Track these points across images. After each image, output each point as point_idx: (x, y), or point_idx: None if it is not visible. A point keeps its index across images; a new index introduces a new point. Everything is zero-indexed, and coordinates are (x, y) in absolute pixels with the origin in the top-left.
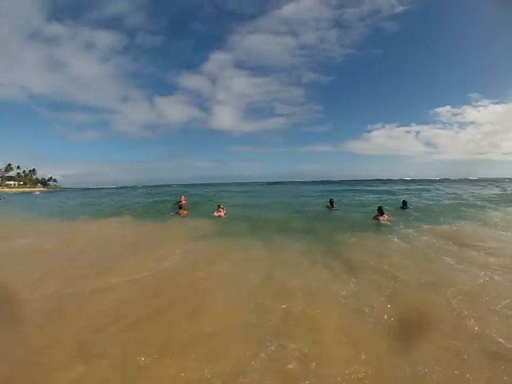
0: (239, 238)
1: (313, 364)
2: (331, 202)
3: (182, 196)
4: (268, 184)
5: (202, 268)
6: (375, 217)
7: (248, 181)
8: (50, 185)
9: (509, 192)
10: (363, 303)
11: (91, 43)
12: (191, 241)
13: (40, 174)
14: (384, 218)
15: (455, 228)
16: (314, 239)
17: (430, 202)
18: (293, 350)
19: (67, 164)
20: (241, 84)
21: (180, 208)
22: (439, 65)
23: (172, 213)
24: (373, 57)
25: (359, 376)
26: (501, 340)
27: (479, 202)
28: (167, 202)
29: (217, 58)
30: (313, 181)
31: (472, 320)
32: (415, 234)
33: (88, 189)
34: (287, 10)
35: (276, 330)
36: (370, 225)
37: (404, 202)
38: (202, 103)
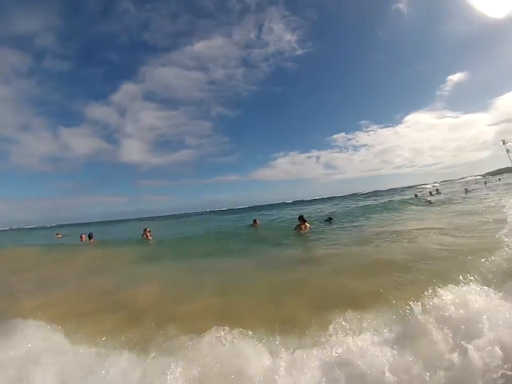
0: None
1: None
2: (255, 220)
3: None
4: (177, 216)
5: None
6: (298, 226)
7: (160, 215)
8: None
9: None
10: None
11: None
12: None
13: None
14: (307, 226)
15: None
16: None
17: None
18: None
19: None
20: (150, 116)
21: None
22: (332, 98)
23: None
24: (275, 93)
25: None
26: None
27: None
28: None
29: (127, 89)
30: (225, 209)
31: None
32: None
33: None
34: (199, 46)
35: None
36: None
37: (329, 218)
38: (110, 135)
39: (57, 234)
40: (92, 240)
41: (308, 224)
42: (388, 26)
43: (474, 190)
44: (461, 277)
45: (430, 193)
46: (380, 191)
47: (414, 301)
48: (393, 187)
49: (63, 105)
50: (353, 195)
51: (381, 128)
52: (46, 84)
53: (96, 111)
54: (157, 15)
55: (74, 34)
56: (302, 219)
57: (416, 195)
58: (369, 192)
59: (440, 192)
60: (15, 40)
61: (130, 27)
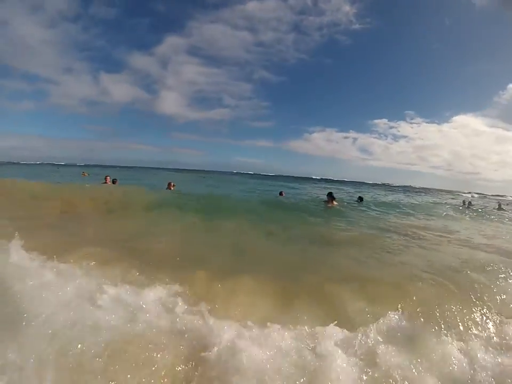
0: None
1: None
2: (281, 192)
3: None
4: (205, 172)
5: None
6: (326, 202)
7: (189, 168)
8: None
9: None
10: None
11: (39, 4)
12: None
13: None
14: (334, 204)
15: None
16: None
17: None
18: None
19: None
20: (192, 71)
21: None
22: (382, 81)
23: None
24: (324, 65)
25: None
26: None
27: None
28: None
29: (172, 42)
30: (252, 174)
31: None
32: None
33: None
34: (251, 6)
35: None
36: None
37: (360, 198)
38: (150, 85)
39: (83, 172)
40: (115, 184)
41: (335, 202)
42: (456, 16)
43: (505, 208)
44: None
45: (463, 202)
46: (412, 187)
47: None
48: (425, 186)
49: (106, 51)
50: (384, 185)
51: (426, 122)
52: (91, 30)
53: (139, 60)
54: None
55: None
56: (331, 196)
57: (464, 202)
58: (401, 186)
59: (472, 205)
60: None
61: None
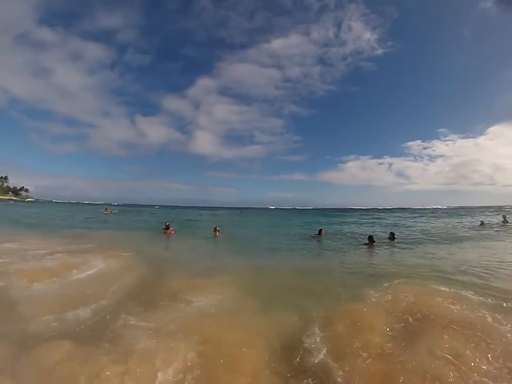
0: None
1: None
2: (320, 231)
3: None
4: (242, 209)
5: None
6: (368, 245)
7: (225, 206)
8: (21, 195)
9: None
10: None
11: (79, 53)
12: None
13: (11, 182)
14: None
15: None
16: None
17: None
18: None
19: (41, 175)
20: (224, 110)
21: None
22: (411, 102)
23: None
24: (351, 94)
25: None
26: None
27: None
28: None
29: (203, 83)
30: (290, 208)
31: None
32: None
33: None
34: (276, 44)
35: None
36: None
37: (392, 234)
38: (184, 126)
39: (106, 209)
40: (170, 229)
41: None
42: (475, 27)
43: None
44: None
45: (504, 217)
46: (465, 207)
47: None
48: (469, 205)
49: (142, 95)
50: (436, 210)
51: (461, 138)
52: (127, 76)
53: (173, 102)
54: (235, 12)
55: (155, 30)
56: (371, 240)
57: (482, 222)
58: (453, 208)
59: (507, 221)
60: (100, 35)
61: (208, 24)
